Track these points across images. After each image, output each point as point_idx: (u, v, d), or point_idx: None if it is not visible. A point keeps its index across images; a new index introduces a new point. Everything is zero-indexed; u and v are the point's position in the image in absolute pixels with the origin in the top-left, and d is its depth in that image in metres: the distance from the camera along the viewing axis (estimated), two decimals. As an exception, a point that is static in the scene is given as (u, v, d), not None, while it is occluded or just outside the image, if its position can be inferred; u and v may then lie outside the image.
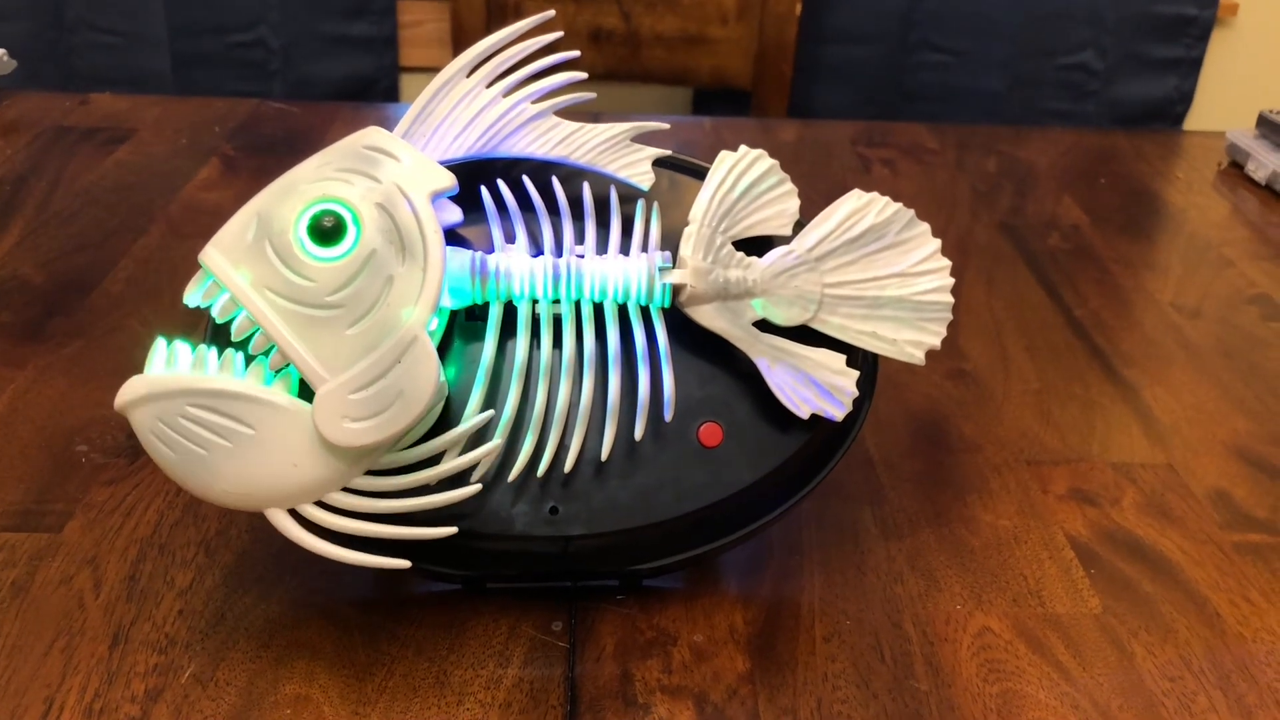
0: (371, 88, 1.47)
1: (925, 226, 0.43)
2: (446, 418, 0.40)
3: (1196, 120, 1.49)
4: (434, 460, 0.39)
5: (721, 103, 1.43)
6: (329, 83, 1.45)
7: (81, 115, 0.90)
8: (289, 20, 1.42)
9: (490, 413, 0.39)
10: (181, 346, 0.38)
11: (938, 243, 0.43)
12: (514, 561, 0.43)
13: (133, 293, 0.65)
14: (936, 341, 0.43)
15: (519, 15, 0.43)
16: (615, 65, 1.30)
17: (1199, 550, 0.49)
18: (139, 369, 0.37)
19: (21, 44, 1.33)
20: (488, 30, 0.41)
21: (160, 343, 0.38)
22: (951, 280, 0.43)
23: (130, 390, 0.37)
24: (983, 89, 1.45)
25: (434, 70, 0.41)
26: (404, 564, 0.38)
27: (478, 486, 0.39)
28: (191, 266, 0.38)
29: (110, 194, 0.77)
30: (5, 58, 0.91)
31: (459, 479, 0.39)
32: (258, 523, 0.39)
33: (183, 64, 1.43)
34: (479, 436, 0.40)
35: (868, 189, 0.43)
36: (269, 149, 0.86)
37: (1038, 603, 0.46)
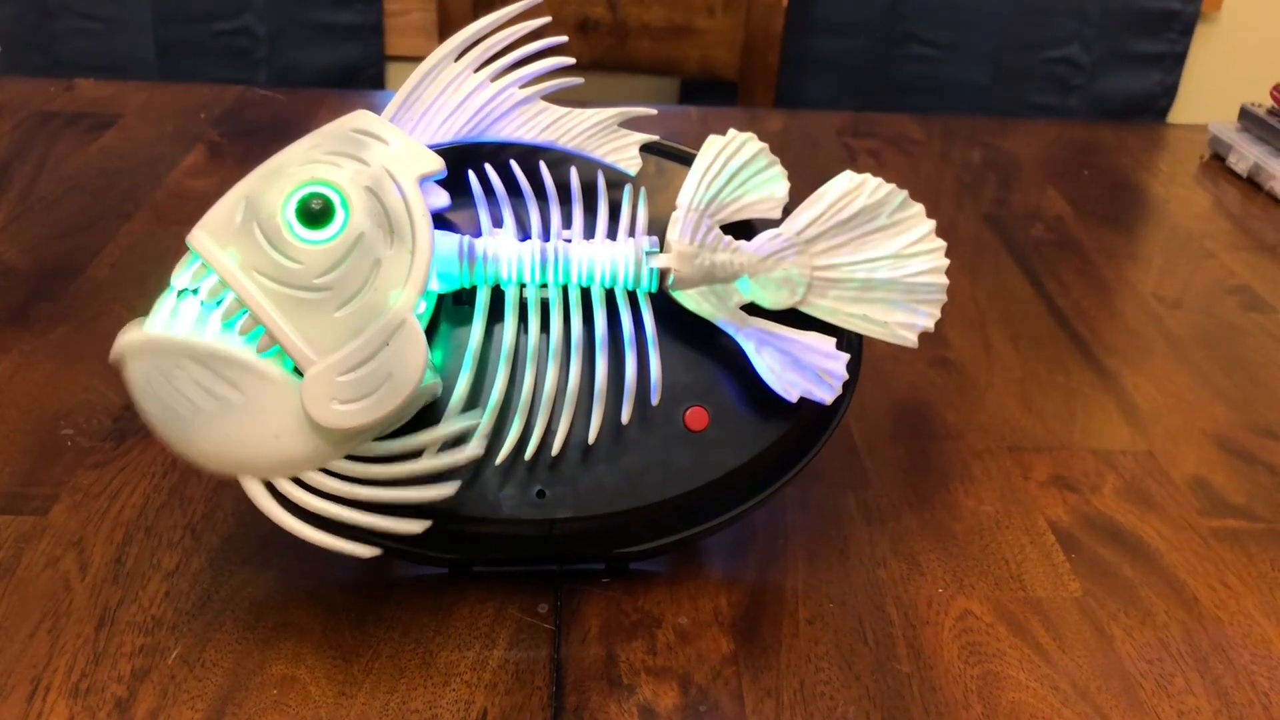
0: (357, 76, 1.47)
1: (919, 207, 0.43)
2: (435, 402, 0.40)
3: (1180, 114, 1.50)
4: (415, 454, 0.38)
5: (708, 94, 1.44)
6: (315, 71, 1.45)
7: (66, 100, 0.89)
8: (274, 8, 1.41)
9: (475, 420, 0.39)
10: (188, 302, 0.38)
11: (932, 223, 0.43)
12: (501, 544, 0.43)
13: (118, 278, 0.65)
14: (929, 323, 0.43)
15: (505, 3, 0.43)
16: (602, 55, 1.30)
17: (1178, 536, 0.50)
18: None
19: (4, 29, 1.32)
20: (474, 19, 0.41)
21: (171, 294, 0.38)
22: (946, 261, 0.43)
23: (128, 340, 0.37)
24: (968, 82, 1.46)
25: (420, 59, 0.41)
26: (370, 551, 0.38)
27: (454, 487, 0.39)
28: (178, 253, 0.38)
29: (95, 180, 0.77)
30: (-11, 43, 0.91)
31: (438, 474, 0.39)
32: (244, 506, 0.39)
33: (167, 51, 1.42)
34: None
35: (855, 176, 0.43)
36: (255, 135, 0.86)
37: (1019, 586, 0.46)
